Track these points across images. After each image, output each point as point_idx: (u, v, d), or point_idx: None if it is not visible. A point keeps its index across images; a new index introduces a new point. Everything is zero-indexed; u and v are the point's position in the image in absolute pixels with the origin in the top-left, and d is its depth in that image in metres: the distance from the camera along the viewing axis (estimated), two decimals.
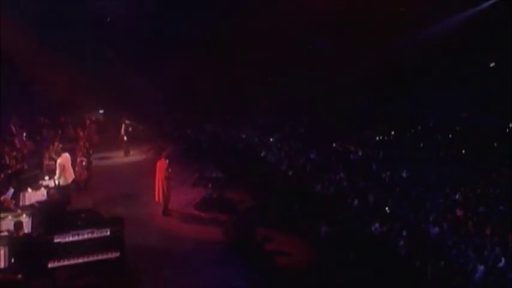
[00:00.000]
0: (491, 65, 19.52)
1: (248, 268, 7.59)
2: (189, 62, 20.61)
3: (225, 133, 17.01)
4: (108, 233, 6.85)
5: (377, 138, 16.50)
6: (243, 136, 16.72)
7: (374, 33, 19.35)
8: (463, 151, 14.82)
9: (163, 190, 9.53)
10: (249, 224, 9.13)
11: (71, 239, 6.65)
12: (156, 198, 9.66)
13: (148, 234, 8.74)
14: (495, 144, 15.00)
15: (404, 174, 12.67)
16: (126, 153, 14.56)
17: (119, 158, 14.44)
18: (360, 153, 14.53)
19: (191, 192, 11.02)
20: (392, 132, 16.57)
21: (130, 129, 14.57)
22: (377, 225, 9.54)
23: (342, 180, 11.95)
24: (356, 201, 10.58)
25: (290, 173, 12.73)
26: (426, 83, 19.57)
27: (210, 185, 10.75)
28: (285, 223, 9.32)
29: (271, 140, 16.35)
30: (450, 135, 16.43)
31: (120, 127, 14.45)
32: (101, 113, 19.48)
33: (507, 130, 16.06)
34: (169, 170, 9.50)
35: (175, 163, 12.68)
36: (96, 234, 6.81)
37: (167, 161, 9.61)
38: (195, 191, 11.02)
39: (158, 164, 9.70)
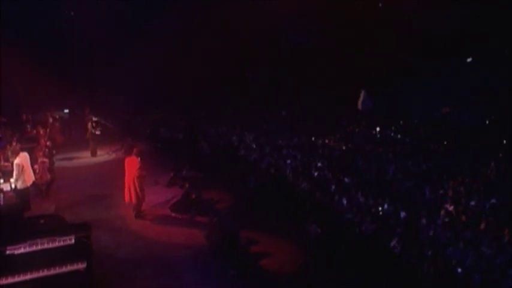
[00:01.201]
0: (468, 60, 19.71)
1: (233, 274, 7.11)
2: (162, 59, 20.23)
3: (201, 131, 16.51)
4: (73, 240, 6.02)
5: (360, 133, 16.38)
6: (221, 134, 16.38)
7: (353, 29, 19.15)
8: (446, 145, 14.70)
9: (135, 190, 8.84)
10: (232, 226, 8.51)
11: (27, 249, 5.77)
12: (126, 199, 8.99)
13: (120, 240, 8.08)
14: (477, 139, 14.94)
15: (390, 170, 12.36)
16: (94, 153, 13.87)
17: (85, 158, 13.79)
18: (344, 149, 14.25)
19: (166, 192, 10.50)
20: (378, 129, 16.28)
21: (97, 127, 13.77)
22: (367, 223, 9.14)
23: (327, 177, 11.61)
24: (344, 199, 10.21)
25: (272, 170, 12.30)
26: (405, 78, 19.55)
27: (187, 184, 10.18)
28: (270, 224, 8.96)
29: (250, 137, 15.88)
30: (432, 130, 16.34)
31: (87, 125, 13.54)
32: (66, 112, 18.93)
33: (487, 122, 16.09)
34: (141, 168, 8.79)
35: (148, 162, 12.29)
36: (58, 242, 5.96)
37: (139, 158, 8.90)
38: (170, 191, 10.51)
39: (128, 161, 8.99)
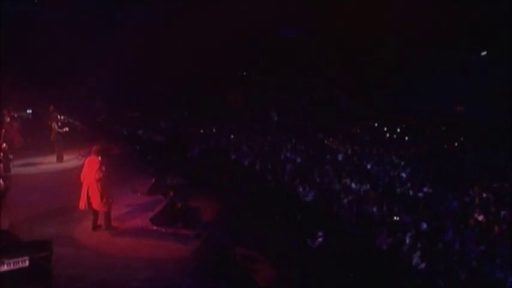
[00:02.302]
0: (483, 53, 19.51)
1: None
2: (140, 53, 19.91)
3: (186, 132, 16.35)
4: (27, 263, 5.22)
5: (366, 134, 16.26)
6: (208, 136, 16.29)
7: (352, 19, 18.93)
8: (464, 146, 14.34)
9: (99, 196, 8.13)
10: (224, 240, 8.02)
11: None
12: (81, 206, 8.25)
13: (87, 259, 7.29)
14: (498, 138, 14.57)
15: (403, 174, 11.91)
16: (60, 158, 13.00)
17: (49, 164, 12.98)
18: (350, 152, 14.09)
19: (146, 201, 9.82)
20: (385, 129, 15.78)
21: (64, 126, 12.93)
22: (383, 235, 8.59)
23: (332, 183, 11.43)
24: (354, 208, 9.83)
25: (268, 176, 12.11)
26: (414, 75, 19.23)
27: (171, 192, 9.65)
28: (268, 237, 8.45)
29: (241, 139, 15.96)
30: (445, 130, 15.99)
31: (51, 125, 12.77)
32: (29, 113, 18.39)
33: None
34: (101, 168, 8.14)
35: (126, 167, 11.91)
36: (8, 266, 5.16)
37: (99, 157, 8.24)
38: (151, 201, 9.83)
39: (88, 162, 8.31)
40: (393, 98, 19.18)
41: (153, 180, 10.58)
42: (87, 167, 8.21)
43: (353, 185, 11.48)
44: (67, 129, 12.90)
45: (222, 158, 13.46)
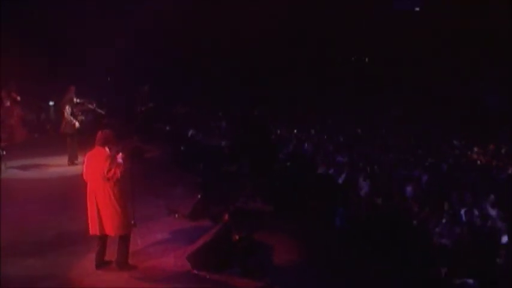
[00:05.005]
0: None
1: None
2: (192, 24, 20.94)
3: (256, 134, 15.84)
4: None
5: None
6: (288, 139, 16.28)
7: None
8: None
9: (111, 210, 7.08)
10: None
11: None
12: (92, 230, 7.31)
13: None
14: None
15: None
16: (72, 159, 12.81)
17: (58, 166, 12.97)
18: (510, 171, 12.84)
19: (186, 228, 9.12)
20: None
21: (80, 114, 12.62)
22: None
23: (493, 220, 10.01)
24: None
25: (378, 200, 11.20)
26: None
27: (227, 216, 8.75)
28: None
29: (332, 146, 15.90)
30: None
31: (63, 111, 12.54)
32: (51, 105, 19.52)
33: None
34: (113, 165, 6.98)
35: (162, 176, 11.93)
36: None
37: (106, 148, 7.13)
38: (194, 228, 9.10)
39: (89, 158, 7.26)
40: None
41: (199, 197, 9.80)
42: (90, 166, 7.17)
43: None
44: (83, 117, 12.69)
45: (306, 172, 12.81)
